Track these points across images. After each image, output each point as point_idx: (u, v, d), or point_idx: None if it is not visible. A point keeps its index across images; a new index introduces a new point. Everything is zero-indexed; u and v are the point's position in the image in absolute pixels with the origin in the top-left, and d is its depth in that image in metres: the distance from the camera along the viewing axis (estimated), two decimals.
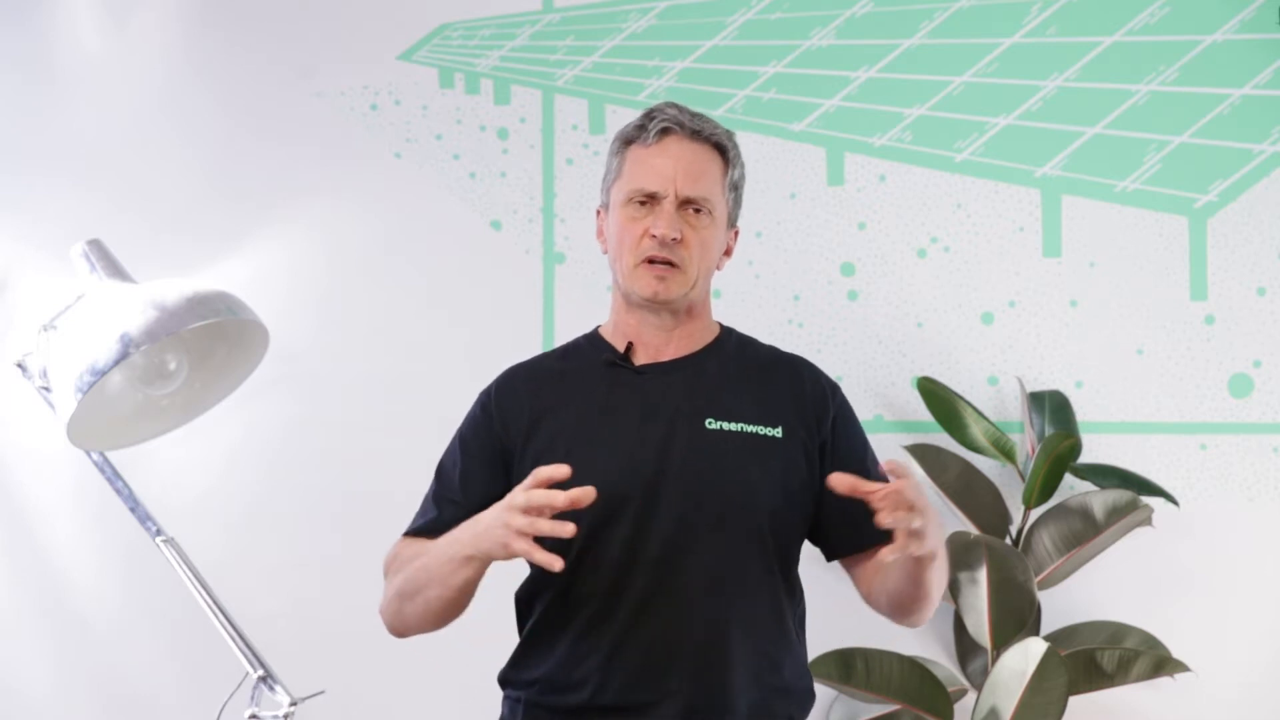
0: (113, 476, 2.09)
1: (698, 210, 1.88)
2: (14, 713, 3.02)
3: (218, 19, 3.10)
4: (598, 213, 1.99)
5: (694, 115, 1.91)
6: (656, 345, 1.93)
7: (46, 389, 2.02)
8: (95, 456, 2.10)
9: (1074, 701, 2.54)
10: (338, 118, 3.06)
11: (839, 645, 2.67)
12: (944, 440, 2.81)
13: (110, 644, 3.01)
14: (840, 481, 1.67)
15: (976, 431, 2.78)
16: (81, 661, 3.02)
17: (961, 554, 2.63)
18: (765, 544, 1.86)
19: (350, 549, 2.97)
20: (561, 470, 1.65)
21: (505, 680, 1.94)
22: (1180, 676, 2.65)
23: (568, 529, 1.63)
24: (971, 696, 2.76)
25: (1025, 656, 2.51)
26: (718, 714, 1.82)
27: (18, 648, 3.03)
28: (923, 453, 2.77)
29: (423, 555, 1.83)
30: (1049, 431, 2.75)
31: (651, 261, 1.86)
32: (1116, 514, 2.68)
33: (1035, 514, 2.76)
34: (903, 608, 1.88)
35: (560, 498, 1.63)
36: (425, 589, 1.81)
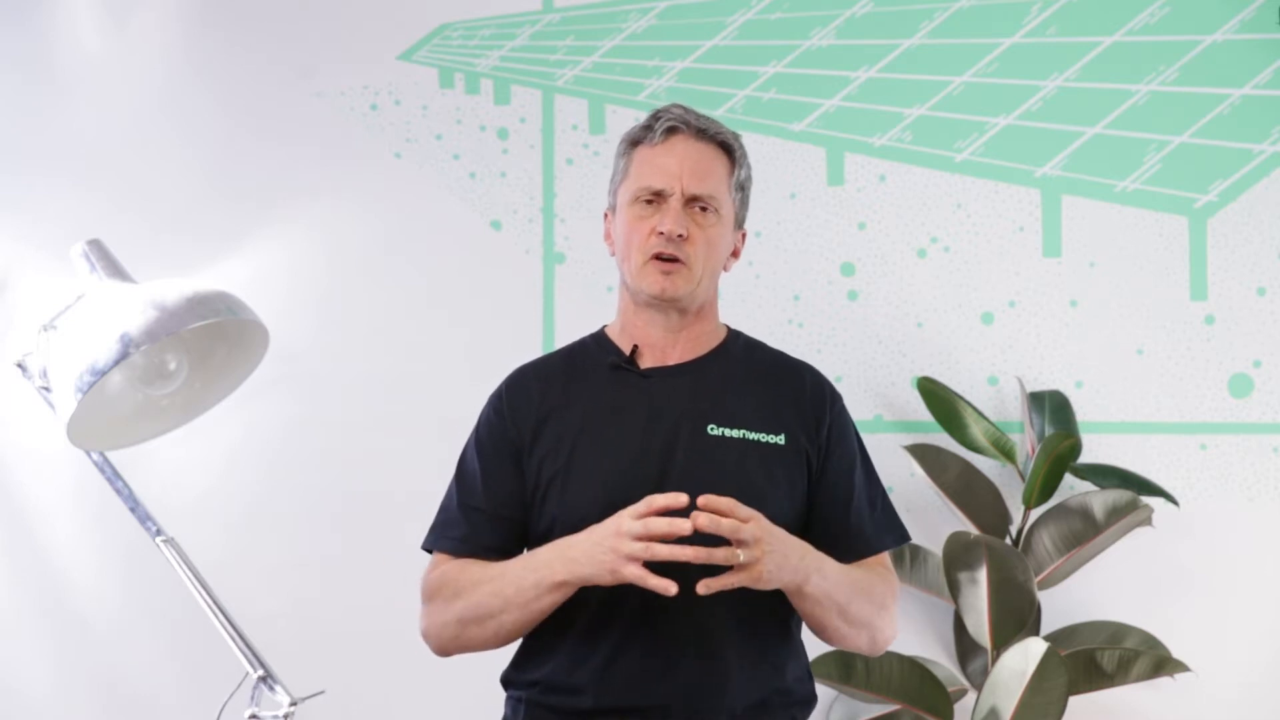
0: (113, 476, 2.09)
1: (704, 208, 1.88)
2: (14, 713, 3.02)
3: (218, 19, 3.10)
4: (605, 215, 1.99)
5: (700, 115, 1.92)
6: (663, 347, 1.93)
7: (46, 389, 2.02)
8: (95, 456, 2.10)
9: (1074, 701, 2.55)
10: (338, 118, 3.06)
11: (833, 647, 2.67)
12: (944, 440, 2.81)
13: (110, 644, 3.01)
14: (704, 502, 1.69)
15: (976, 431, 2.78)
16: (81, 661, 3.02)
17: (961, 554, 2.63)
18: None
19: (350, 549, 2.98)
20: (680, 499, 1.68)
21: (508, 680, 1.94)
22: (1180, 676, 2.65)
23: (686, 553, 1.66)
24: (971, 696, 2.76)
25: (1025, 656, 2.51)
26: (719, 717, 1.81)
27: (18, 648, 3.03)
28: (923, 453, 2.77)
29: (490, 580, 1.83)
30: (1049, 431, 2.75)
31: (658, 258, 1.87)
32: (1116, 514, 2.68)
33: (1035, 514, 2.76)
34: (818, 633, 1.90)
35: (684, 526, 1.66)
36: (500, 614, 1.81)
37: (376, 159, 3.05)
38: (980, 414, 2.79)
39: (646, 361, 1.93)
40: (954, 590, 2.66)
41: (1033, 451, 2.74)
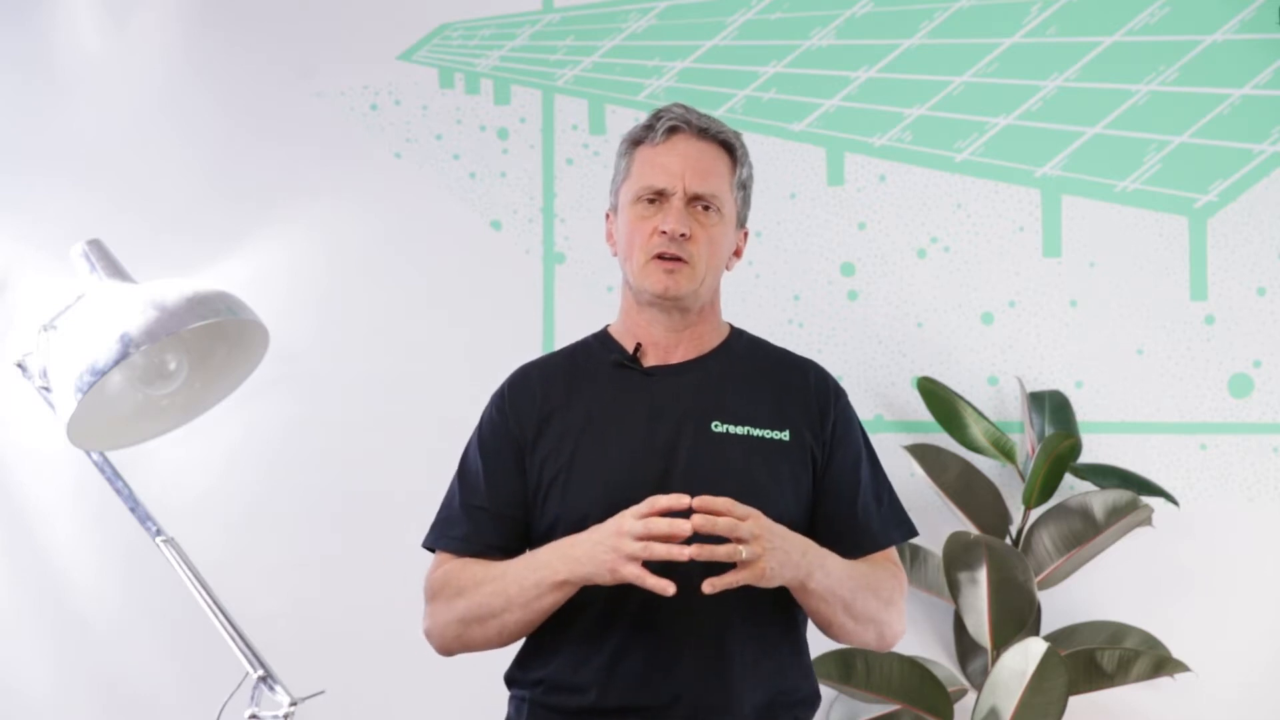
0: (113, 476, 2.09)
1: (706, 207, 1.88)
2: (14, 713, 3.02)
3: (218, 19, 3.10)
4: (606, 216, 1.99)
5: (701, 115, 1.92)
6: (666, 347, 1.93)
7: (46, 389, 2.02)
8: (95, 456, 2.10)
9: (1074, 701, 2.54)
10: (338, 118, 3.06)
11: (839, 645, 2.66)
12: (944, 440, 2.81)
13: (110, 644, 3.01)
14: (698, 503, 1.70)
15: (976, 431, 2.78)
16: (81, 661, 3.02)
17: (961, 554, 2.63)
18: None
19: (350, 549, 2.98)
20: (683, 500, 1.68)
21: (511, 680, 1.94)
22: (1180, 676, 2.65)
23: (684, 553, 1.66)
24: (971, 696, 2.76)
25: (1025, 656, 2.51)
26: (723, 716, 1.81)
27: (18, 648, 3.03)
28: (923, 453, 2.77)
29: (492, 579, 1.83)
30: (1049, 431, 2.75)
31: (661, 257, 1.87)
32: (1116, 514, 2.68)
33: (1035, 514, 2.76)
34: (824, 630, 1.90)
35: (684, 527, 1.66)
36: (502, 614, 1.81)
37: (376, 159, 3.05)
38: (980, 414, 2.79)
39: (649, 360, 1.93)
40: (954, 590, 2.66)
41: (1033, 451, 2.74)
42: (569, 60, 3.03)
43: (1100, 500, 2.68)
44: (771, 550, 1.70)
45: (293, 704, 1.95)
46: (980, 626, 2.65)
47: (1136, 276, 2.88)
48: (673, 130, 1.89)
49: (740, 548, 1.68)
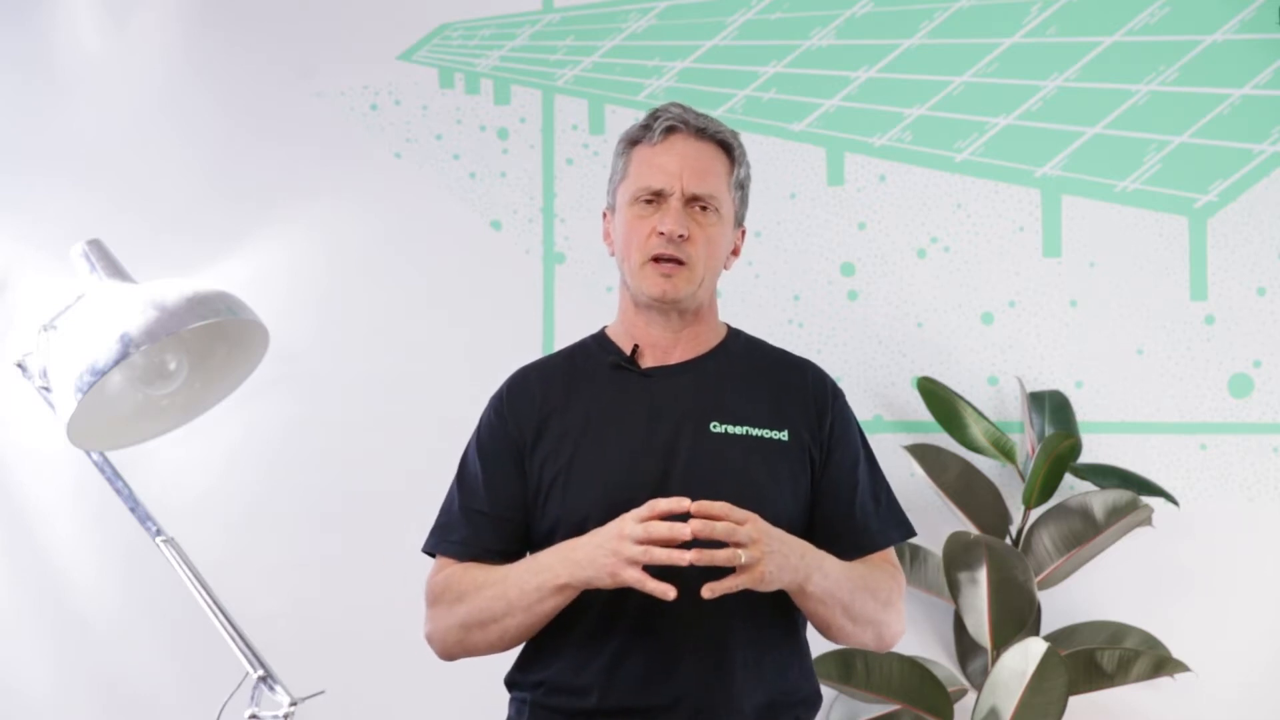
0: (113, 476, 2.09)
1: (704, 208, 1.88)
2: (14, 713, 3.02)
3: (218, 19, 3.10)
4: (604, 215, 1.99)
5: (698, 114, 1.92)
6: (664, 347, 1.93)
7: (46, 389, 2.02)
8: (95, 456, 2.10)
9: (1074, 701, 2.54)
10: (338, 118, 3.06)
11: (839, 645, 2.67)
12: (944, 440, 2.81)
13: (110, 644, 3.01)
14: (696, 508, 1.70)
15: (976, 431, 2.78)
16: (81, 661, 3.02)
17: (961, 554, 2.63)
18: None
19: (350, 549, 2.98)
20: (683, 503, 1.68)
21: (512, 682, 1.93)
22: (1180, 676, 2.65)
23: (685, 558, 1.66)
24: (971, 696, 2.76)
25: (1025, 656, 2.51)
26: (724, 717, 1.81)
27: (18, 648, 3.03)
28: (923, 453, 2.77)
29: (493, 583, 1.82)
30: (1049, 431, 2.75)
31: (659, 259, 1.86)
32: (1116, 514, 2.68)
33: (1035, 514, 2.76)
34: (823, 632, 1.90)
35: (683, 531, 1.66)
36: (503, 618, 1.81)
37: (376, 159, 3.05)
38: (980, 414, 2.79)
39: (648, 361, 1.93)
40: (954, 590, 2.66)
41: (1033, 451, 2.74)
42: (569, 60, 3.03)
43: (1100, 500, 2.68)
44: (770, 554, 1.71)
45: (293, 704, 1.95)
46: (980, 626, 2.65)
47: (1136, 276, 2.88)
48: (670, 130, 1.89)
49: (739, 552, 1.68)
